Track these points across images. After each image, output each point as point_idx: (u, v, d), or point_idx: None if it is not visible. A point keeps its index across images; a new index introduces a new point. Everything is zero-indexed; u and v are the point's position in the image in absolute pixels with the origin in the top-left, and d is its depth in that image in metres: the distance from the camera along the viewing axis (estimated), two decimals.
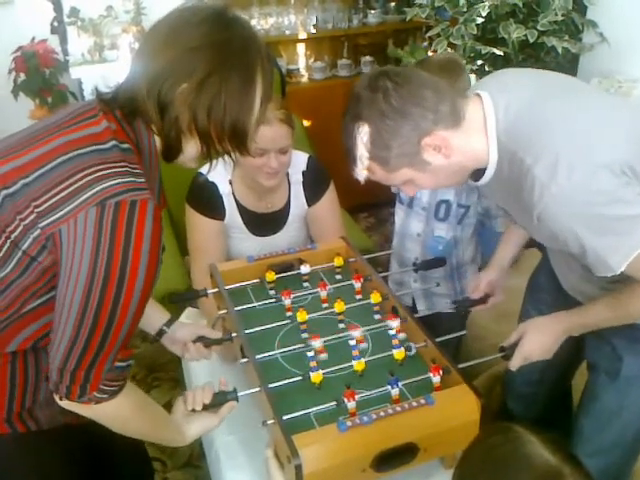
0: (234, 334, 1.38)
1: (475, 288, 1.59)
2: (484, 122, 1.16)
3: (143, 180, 0.97)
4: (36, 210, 0.94)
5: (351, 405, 1.18)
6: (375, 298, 1.48)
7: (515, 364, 1.33)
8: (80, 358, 0.95)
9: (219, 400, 1.20)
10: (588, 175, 1.07)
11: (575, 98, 1.20)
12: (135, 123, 1.02)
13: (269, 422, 1.15)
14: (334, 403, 1.18)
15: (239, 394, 1.22)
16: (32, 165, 0.97)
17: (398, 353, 1.31)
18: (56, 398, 1.00)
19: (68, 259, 0.93)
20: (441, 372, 1.24)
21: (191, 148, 1.05)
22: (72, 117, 1.03)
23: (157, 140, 1.04)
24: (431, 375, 1.24)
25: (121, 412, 1.06)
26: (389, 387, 1.22)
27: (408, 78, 1.14)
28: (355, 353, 1.30)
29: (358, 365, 1.28)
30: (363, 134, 1.15)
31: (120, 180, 0.94)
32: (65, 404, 1.01)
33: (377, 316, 1.49)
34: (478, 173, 1.23)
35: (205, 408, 1.19)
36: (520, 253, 1.67)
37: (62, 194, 0.93)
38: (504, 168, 1.17)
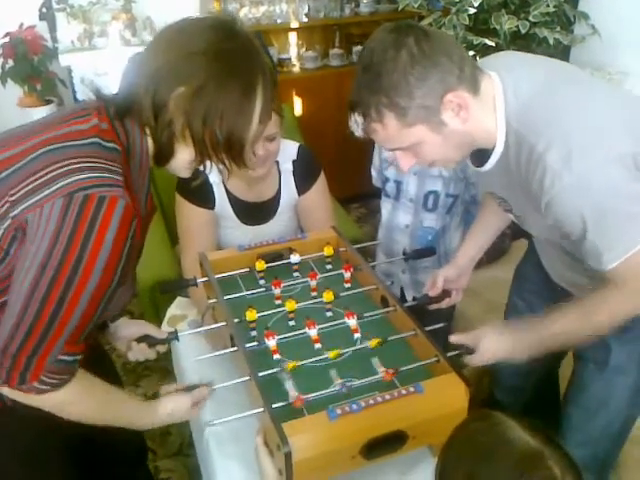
0: (224, 323, 1.38)
1: (432, 285, 1.52)
2: (494, 102, 1.13)
3: (119, 178, 0.96)
4: (10, 200, 0.95)
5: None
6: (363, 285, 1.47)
7: (470, 363, 1.31)
8: (23, 342, 0.94)
9: (190, 388, 1.26)
10: (601, 167, 1.05)
11: (586, 88, 1.18)
12: (128, 123, 1.02)
13: (258, 410, 1.15)
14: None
15: (227, 383, 1.24)
16: (13, 159, 0.98)
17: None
18: None
19: (27, 243, 0.93)
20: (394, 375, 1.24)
21: (183, 154, 1.05)
22: (64, 115, 1.04)
23: (150, 144, 1.04)
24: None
25: (68, 401, 1.04)
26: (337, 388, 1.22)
27: (436, 33, 1.09)
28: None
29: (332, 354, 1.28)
30: (386, 77, 1.06)
31: (92, 175, 0.93)
32: (7, 391, 0.99)
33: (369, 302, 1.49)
34: (482, 159, 1.21)
35: None
36: (487, 247, 1.57)
37: (33, 184, 0.94)
38: (511, 152, 1.15)
